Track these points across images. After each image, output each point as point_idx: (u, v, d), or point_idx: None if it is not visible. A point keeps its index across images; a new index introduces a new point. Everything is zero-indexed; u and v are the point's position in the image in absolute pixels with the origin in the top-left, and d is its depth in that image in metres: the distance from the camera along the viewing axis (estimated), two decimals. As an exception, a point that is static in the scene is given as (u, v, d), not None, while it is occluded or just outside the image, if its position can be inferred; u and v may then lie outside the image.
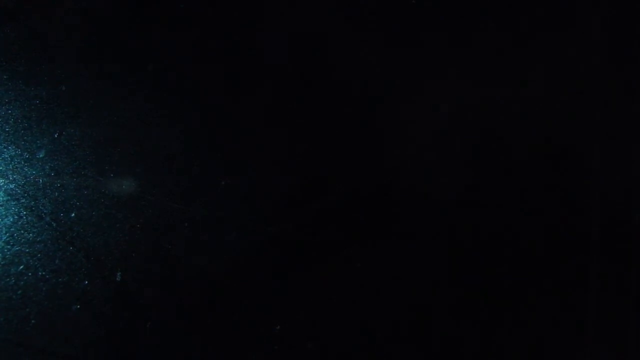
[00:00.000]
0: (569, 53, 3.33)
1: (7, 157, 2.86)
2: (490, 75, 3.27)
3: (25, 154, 2.87)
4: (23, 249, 2.83)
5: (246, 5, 3.10)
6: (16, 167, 2.86)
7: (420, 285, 3.16)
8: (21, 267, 2.82)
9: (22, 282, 2.81)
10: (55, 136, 2.89)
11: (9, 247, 2.82)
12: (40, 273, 2.83)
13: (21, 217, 2.85)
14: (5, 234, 2.83)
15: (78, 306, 2.84)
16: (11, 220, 2.84)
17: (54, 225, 2.85)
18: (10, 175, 2.86)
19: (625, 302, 3.27)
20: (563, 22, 3.34)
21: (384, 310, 3.13)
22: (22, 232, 2.84)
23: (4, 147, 2.86)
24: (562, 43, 3.33)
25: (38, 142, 2.88)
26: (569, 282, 3.27)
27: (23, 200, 2.85)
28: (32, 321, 2.81)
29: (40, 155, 2.87)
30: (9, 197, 2.85)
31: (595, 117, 3.35)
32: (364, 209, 3.13)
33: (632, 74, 3.35)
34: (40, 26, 2.92)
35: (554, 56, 3.31)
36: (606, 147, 3.33)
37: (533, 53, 3.31)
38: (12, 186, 2.85)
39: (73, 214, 2.87)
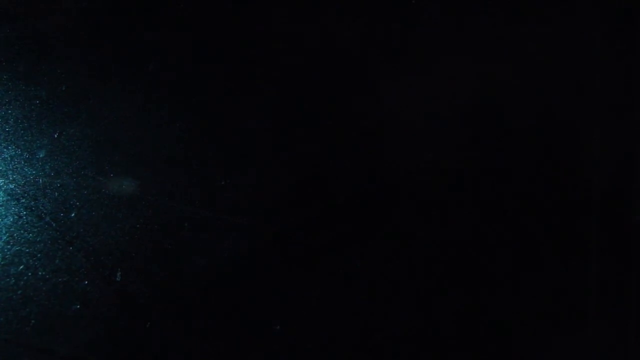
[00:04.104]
0: (570, 49, 3.33)
1: (7, 157, 2.86)
2: (487, 75, 3.27)
3: (25, 154, 2.87)
4: (23, 249, 2.83)
5: (246, 4, 3.10)
6: (16, 167, 2.86)
7: (421, 285, 3.16)
8: (21, 267, 2.82)
9: (22, 282, 2.81)
10: (55, 136, 2.89)
11: (9, 247, 2.82)
12: (40, 273, 2.83)
13: (21, 217, 2.85)
14: (5, 234, 2.83)
15: (78, 306, 2.84)
16: (11, 220, 2.84)
17: (54, 225, 2.85)
18: (10, 175, 2.86)
19: (625, 302, 3.27)
20: (563, 16, 3.34)
21: (385, 310, 3.13)
22: (22, 232, 2.84)
23: (4, 147, 2.86)
24: (563, 39, 3.32)
25: (38, 142, 2.88)
26: (569, 282, 3.27)
27: (23, 200, 2.85)
28: (32, 321, 2.81)
29: (40, 155, 2.87)
30: (9, 197, 2.85)
31: (596, 115, 3.35)
32: (364, 209, 3.13)
33: (634, 73, 3.35)
34: (40, 26, 2.92)
35: (554, 53, 3.31)
36: (607, 146, 3.33)
37: (532, 50, 3.30)
38: (12, 186, 2.85)
39: (73, 214, 2.87)
